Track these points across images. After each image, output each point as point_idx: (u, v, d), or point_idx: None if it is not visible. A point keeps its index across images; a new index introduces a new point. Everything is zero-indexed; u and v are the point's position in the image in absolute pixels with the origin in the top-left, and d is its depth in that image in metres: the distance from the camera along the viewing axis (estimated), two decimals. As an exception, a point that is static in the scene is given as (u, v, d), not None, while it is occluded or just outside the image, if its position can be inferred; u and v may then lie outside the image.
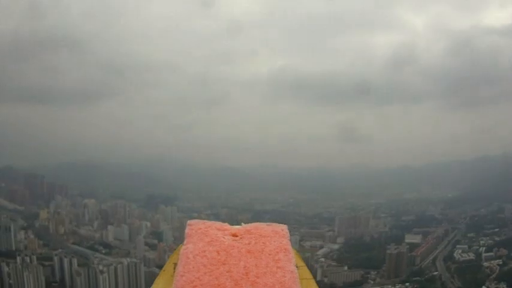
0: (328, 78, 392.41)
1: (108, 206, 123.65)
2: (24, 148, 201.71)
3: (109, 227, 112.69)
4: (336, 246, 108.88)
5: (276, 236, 2.42)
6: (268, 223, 2.51)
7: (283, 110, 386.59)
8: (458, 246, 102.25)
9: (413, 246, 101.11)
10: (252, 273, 2.20)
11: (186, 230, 2.44)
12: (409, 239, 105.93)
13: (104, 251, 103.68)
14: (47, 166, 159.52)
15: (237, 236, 2.42)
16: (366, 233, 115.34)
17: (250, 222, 2.54)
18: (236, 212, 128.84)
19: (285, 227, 2.51)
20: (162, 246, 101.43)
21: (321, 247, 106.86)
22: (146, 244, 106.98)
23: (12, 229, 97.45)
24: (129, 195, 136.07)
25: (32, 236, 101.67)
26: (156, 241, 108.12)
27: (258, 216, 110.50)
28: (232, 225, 2.52)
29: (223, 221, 2.55)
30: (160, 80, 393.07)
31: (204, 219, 2.55)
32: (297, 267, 2.29)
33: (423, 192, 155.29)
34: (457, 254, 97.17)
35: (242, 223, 2.54)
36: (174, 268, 2.29)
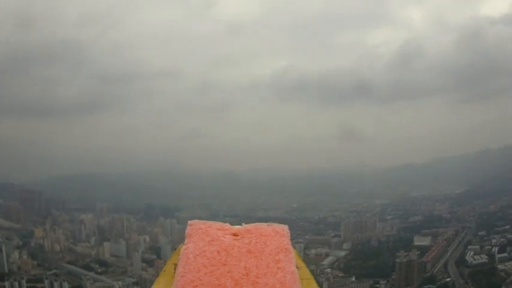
0: (331, 78, 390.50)
1: (106, 220, 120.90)
2: (21, 163, 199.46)
3: (105, 243, 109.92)
4: (342, 254, 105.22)
5: (277, 235, 2.47)
6: (268, 223, 2.56)
7: (286, 112, 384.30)
8: (469, 247, 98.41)
9: (423, 249, 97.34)
10: (252, 273, 2.23)
11: (187, 230, 2.49)
12: (418, 241, 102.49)
13: (99, 270, 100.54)
14: (45, 180, 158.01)
15: (237, 236, 2.47)
16: (373, 237, 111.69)
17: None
18: (239, 220, 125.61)
19: (285, 226, 2.55)
20: (159, 263, 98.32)
21: (327, 255, 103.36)
22: (144, 261, 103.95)
23: (3, 249, 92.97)
24: (128, 207, 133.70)
25: (25, 256, 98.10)
26: (154, 256, 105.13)
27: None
28: (233, 225, 2.57)
29: None
30: (160, 87, 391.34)
31: None
32: (297, 267, 2.33)
33: (429, 189, 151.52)
34: (469, 257, 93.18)
35: (243, 223, 2.58)
36: (175, 268, 2.34)
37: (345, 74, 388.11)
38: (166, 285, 2.31)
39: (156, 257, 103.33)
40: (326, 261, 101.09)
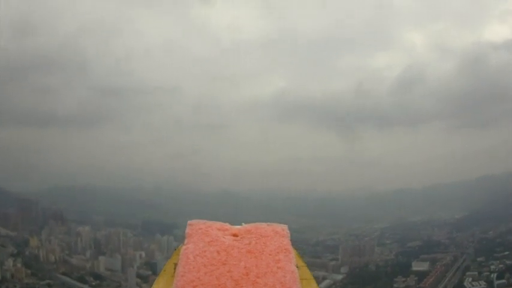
0: (331, 100, 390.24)
1: (102, 234, 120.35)
2: (19, 171, 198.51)
3: (100, 257, 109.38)
4: (339, 277, 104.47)
5: (277, 236, 2.50)
6: (268, 223, 2.59)
7: (285, 133, 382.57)
8: (468, 273, 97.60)
9: (421, 275, 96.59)
10: (252, 273, 2.23)
11: (187, 230, 2.50)
12: (417, 266, 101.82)
13: (93, 283, 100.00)
14: (42, 190, 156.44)
15: (237, 236, 2.50)
16: (371, 261, 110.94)
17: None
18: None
19: (285, 227, 2.59)
20: (154, 279, 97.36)
21: (324, 278, 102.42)
22: (139, 276, 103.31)
23: None
24: (125, 222, 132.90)
25: (19, 265, 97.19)
26: (149, 272, 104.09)
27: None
28: (233, 225, 2.60)
29: None
30: (159, 103, 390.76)
31: None
32: (297, 267, 2.35)
33: (428, 214, 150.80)
34: (467, 283, 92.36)
35: (243, 223, 2.63)
36: (175, 268, 2.34)
37: (345, 97, 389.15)
38: (166, 285, 2.31)
39: (152, 273, 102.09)
40: (323, 285, 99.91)
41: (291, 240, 2.46)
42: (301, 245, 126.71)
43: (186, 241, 2.40)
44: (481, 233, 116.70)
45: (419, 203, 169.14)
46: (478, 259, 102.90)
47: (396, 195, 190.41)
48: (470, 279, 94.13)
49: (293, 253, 2.39)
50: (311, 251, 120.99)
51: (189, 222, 2.52)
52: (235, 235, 2.47)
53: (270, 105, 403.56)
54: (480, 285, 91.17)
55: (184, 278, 2.15)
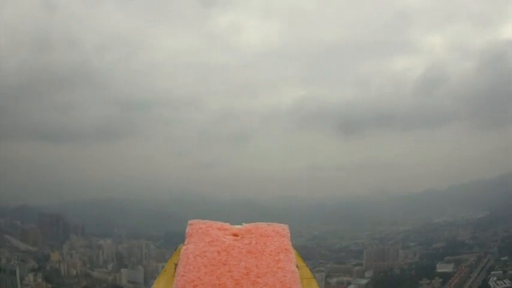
0: (351, 106, 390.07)
1: (124, 246, 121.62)
2: (40, 186, 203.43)
3: (122, 269, 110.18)
4: (364, 282, 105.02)
5: (277, 235, 2.45)
6: (269, 223, 2.54)
7: (306, 141, 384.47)
8: (492, 272, 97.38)
9: (445, 276, 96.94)
10: (252, 273, 2.21)
11: (187, 230, 2.50)
12: (441, 268, 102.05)
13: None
14: (63, 204, 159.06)
15: (237, 236, 2.45)
16: (396, 265, 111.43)
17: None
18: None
19: (286, 226, 2.53)
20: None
21: (349, 283, 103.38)
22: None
23: (17, 272, 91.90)
24: (147, 234, 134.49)
25: (39, 280, 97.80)
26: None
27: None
28: (233, 224, 2.56)
29: None
30: (179, 115, 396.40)
31: None
32: (297, 267, 2.31)
33: (451, 215, 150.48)
34: (492, 283, 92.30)
35: (243, 223, 2.57)
36: (175, 268, 2.32)
37: (365, 102, 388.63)
38: (166, 284, 2.31)
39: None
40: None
41: (291, 240, 2.47)
42: (324, 251, 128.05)
43: (186, 241, 2.44)
44: (504, 232, 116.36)
45: (442, 204, 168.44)
46: (502, 258, 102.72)
47: (419, 197, 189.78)
48: (495, 278, 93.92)
49: (293, 253, 2.37)
50: (335, 257, 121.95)
51: (189, 222, 2.56)
52: (235, 235, 2.47)
53: (290, 114, 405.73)
54: (505, 284, 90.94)
55: (184, 278, 2.17)
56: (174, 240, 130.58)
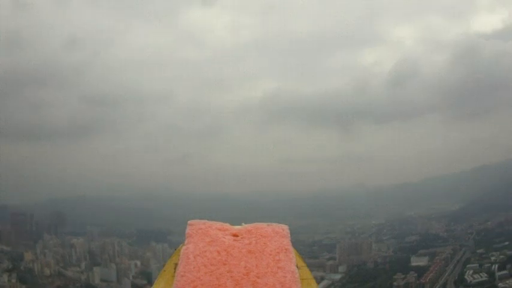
0: (323, 99, 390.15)
1: (97, 244, 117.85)
2: (12, 185, 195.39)
3: (95, 268, 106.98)
4: (337, 277, 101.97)
5: (277, 236, 2.45)
6: (268, 223, 2.53)
7: (278, 134, 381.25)
8: (468, 265, 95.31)
9: (420, 270, 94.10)
10: (252, 273, 2.20)
11: (187, 230, 2.47)
12: (415, 262, 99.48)
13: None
14: (36, 203, 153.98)
15: (237, 236, 2.44)
16: (369, 258, 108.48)
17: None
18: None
19: (285, 227, 2.52)
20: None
21: (322, 278, 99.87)
22: (134, 286, 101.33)
23: None
24: (119, 231, 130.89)
25: (14, 280, 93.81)
26: (145, 282, 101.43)
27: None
28: (233, 225, 2.54)
29: None
30: (151, 111, 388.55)
31: None
32: (297, 267, 2.32)
33: (425, 208, 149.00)
34: (468, 276, 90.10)
35: (243, 223, 2.56)
36: (175, 268, 2.31)
37: (337, 95, 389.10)
38: (166, 284, 2.26)
39: (147, 283, 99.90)
40: (321, 285, 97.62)
41: (291, 240, 2.40)
42: (297, 245, 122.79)
43: (186, 241, 2.35)
44: (479, 224, 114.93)
45: (416, 197, 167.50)
46: (478, 251, 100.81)
47: (392, 190, 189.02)
48: (471, 271, 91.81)
49: (293, 253, 2.33)
50: (308, 251, 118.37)
51: (189, 222, 2.46)
52: (235, 235, 2.37)
53: (262, 108, 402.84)
54: (481, 277, 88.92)
55: (184, 278, 2.13)
56: (146, 237, 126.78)
